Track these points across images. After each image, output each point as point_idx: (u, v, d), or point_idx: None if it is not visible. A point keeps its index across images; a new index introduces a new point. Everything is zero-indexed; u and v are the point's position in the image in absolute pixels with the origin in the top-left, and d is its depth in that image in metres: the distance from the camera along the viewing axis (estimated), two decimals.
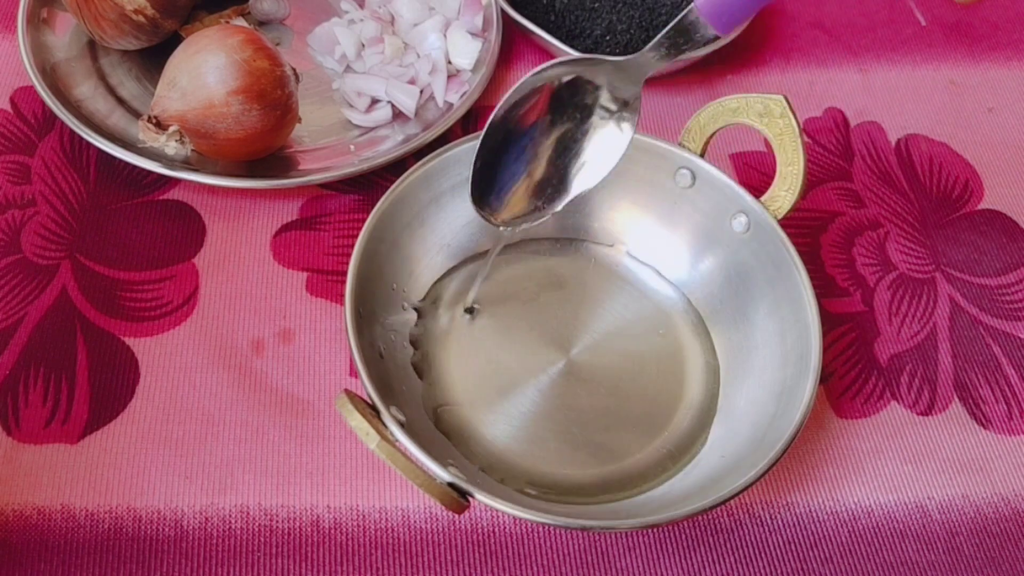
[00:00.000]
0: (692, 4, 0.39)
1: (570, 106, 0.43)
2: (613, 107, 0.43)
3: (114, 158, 0.53)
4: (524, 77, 0.42)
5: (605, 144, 0.44)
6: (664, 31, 0.40)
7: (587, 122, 0.43)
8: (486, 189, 0.43)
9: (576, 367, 0.49)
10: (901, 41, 0.67)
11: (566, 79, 0.42)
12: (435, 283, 0.50)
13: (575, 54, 0.59)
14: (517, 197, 0.44)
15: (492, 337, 0.49)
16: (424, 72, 0.59)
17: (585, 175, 0.44)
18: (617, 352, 0.50)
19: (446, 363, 0.48)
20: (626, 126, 0.43)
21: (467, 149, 0.50)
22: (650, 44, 0.41)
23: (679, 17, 0.39)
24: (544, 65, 0.42)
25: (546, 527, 0.45)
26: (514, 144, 0.43)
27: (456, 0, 0.62)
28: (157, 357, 0.48)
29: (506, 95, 0.42)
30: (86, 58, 0.58)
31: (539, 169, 0.44)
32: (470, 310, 0.49)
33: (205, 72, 0.49)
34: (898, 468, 0.48)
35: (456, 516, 0.45)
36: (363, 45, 0.60)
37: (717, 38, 0.41)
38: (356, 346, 0.42)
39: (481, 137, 0.43)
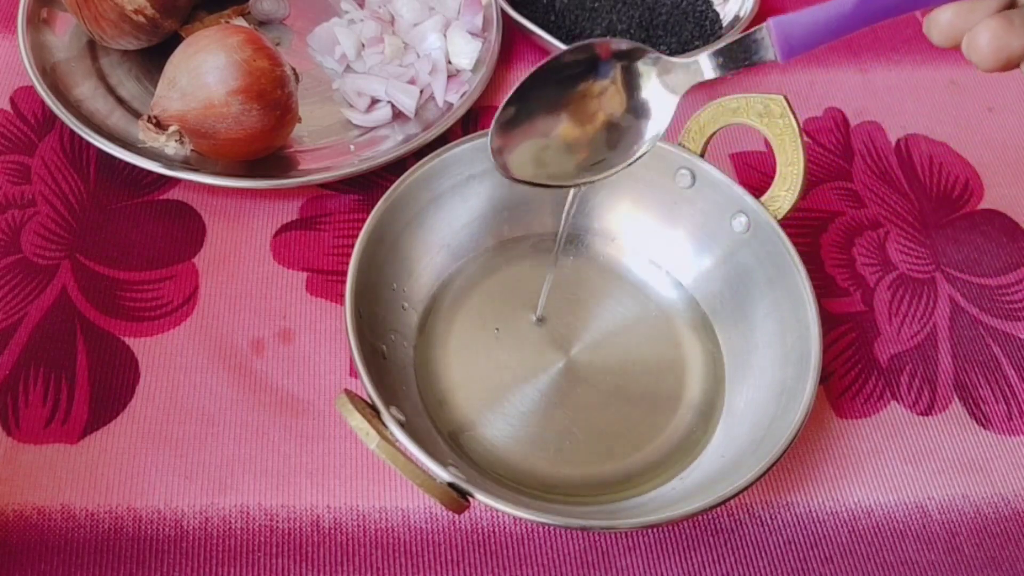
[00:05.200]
0: (767, 21, 0.36)
1: (605, 80, 0.40)
2: (646, 99, 0.40)
3: (114, 158, 0.53)
4: (577, 44, 0.40)
5: (632, 130, 0.41)
6: (730, 40, 0.38)
7: (621, 99, 0.41)
8: (508, 140, 0.41)
9: (576, 367, 0.49)
10: (901, 41, 0.67)
11: (616, 55, 0.40)
12: (436, 283, 0.50)
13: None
14: (533, 154, 0.41)
15: (492, 337, 0.49)
16: (424, 72, 0.59)
17: (606, 159, 0.42)
18: (617, 352, 0.50)
19: (446, 363, 0.48)
20: (653, 124, 0.41)
21: (467, 149, 0.50)
22: (711, 49, 0.38)
23: (749, 32, 0.37)
24: (597, 39, 0.40)
25: (546, 527, 0.45)
26: (546, 101, 0.41)
27: (456, 0, 0.62)
28: (157, 357, 0.48)
29: (553, 56, 0.40)
30: (86, 58, 0.58)
31: (567, 133, 0.41)
32: (541, 319, 0.50)
33: (205, 72, 0.49)
34: (898, 468, 0.48)
35: (456, 516, 0.45)
36: (363, 45, 0.60)
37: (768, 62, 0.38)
38: (356, 346, 0.42)
39: (518, 85, 0.40)
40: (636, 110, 0.41)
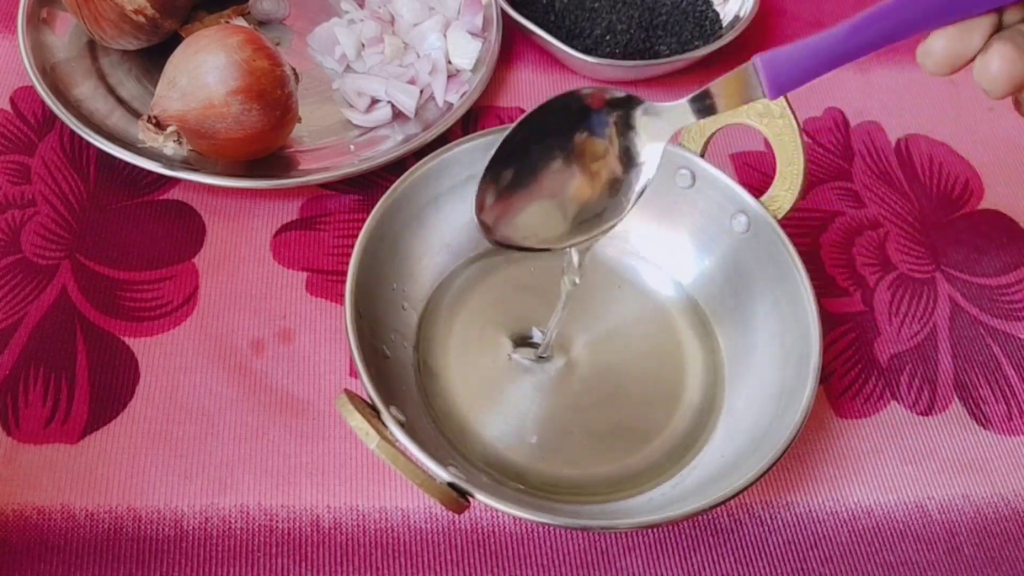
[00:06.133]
0: (753, 59, 0.34)
1: (595, 134, 0.39)
2: (634, 149, 0.39)
3: (114, 158, 0.53)
4: (556, 96, 0.38)
5: (617, 189, 0.40)
6: (710, 85, 0.36)
7: (606, 157, 0.40)
8: (491, 201, 0.39)
9: (576, 366, 0.49)
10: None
11: (597, 105, 0.39)
12: (436, 283, 0.50)
13: (577, 55, 0.59)
14: (522, 217, 0.40)
15: (492, 337, 0.49)
16: (424, 72, 0.59)
17: (594, 217, 0.40)
18: (617, 352, 0.50)
19: (446, 363, 0.48)
20: (642, 174, 0.39)
21: (467, 149, 0.50)
22: (693, 95, 0.36)
23: (737, 71, 0.35)
24: (579, 89, 0.39)
25: (546, 527, 0.45)
26: (529, 161, 0.39)
27: (456, 0, 0.62)
28: (157, 357, 0.48)
29: (529, 112, 0.39)
30: (86, 58, 0.58)
31: (550, 194, 0.40)
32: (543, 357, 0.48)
33: (205, 72, 0.49)
34: (898, 468, 0.48)
35: (456, 516, 0.45)
36: (363, 45, 0.60)
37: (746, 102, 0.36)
38: (356, 346, 0.42)
39: (496, 147, 0.39)
40: (624, 161, 0.39)
